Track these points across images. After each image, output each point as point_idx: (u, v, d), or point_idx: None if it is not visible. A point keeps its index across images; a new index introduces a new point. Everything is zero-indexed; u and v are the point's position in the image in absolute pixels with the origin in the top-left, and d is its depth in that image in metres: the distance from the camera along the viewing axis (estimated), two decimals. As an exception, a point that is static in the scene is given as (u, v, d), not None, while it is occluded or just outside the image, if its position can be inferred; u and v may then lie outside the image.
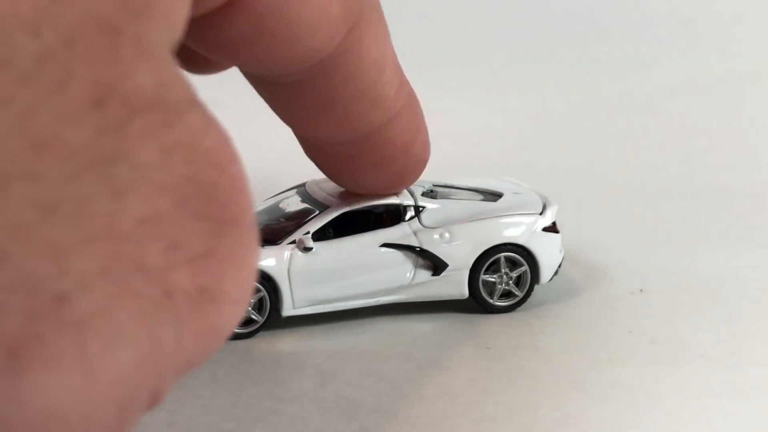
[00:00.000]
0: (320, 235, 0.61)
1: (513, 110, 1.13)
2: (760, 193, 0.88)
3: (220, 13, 0.38)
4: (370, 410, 0.52)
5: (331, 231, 0.62)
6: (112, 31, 0.25)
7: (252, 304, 0.60)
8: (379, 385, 0.54)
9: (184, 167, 0.27)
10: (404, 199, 0.63)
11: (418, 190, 0.64)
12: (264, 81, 0.49)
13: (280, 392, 0.54)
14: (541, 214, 0.65)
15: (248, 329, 0.60)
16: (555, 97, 1.15)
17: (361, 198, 0.62)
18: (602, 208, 0.85)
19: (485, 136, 1.07)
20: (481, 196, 0.67)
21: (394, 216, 0.63)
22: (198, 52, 0.43)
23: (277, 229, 0.62)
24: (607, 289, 0.67)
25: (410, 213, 0.63)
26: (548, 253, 0.64)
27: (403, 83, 0.52)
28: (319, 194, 0.64)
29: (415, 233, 0.62)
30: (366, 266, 0.61)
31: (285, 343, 0.60)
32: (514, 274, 0.63)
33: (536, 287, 0.64)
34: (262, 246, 0.61)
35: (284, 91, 0.49)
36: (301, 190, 0.66)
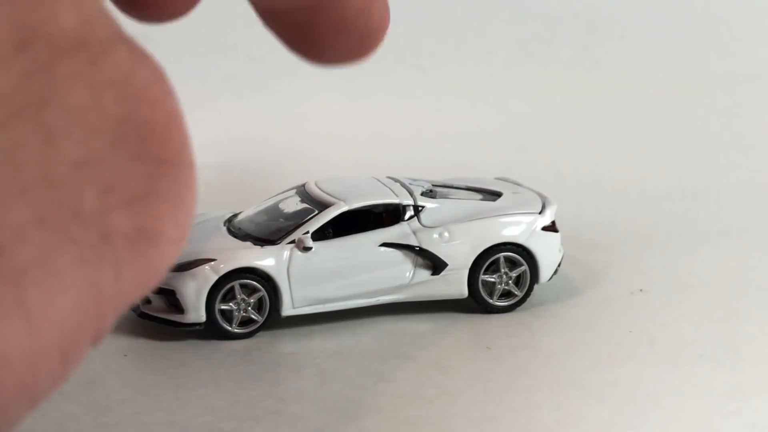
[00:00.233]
0: (320, 235, 0.61)
1: (513, 110, 1.13)
2: (760, 193, 0.88)
3: None
4: (370, 410, 0.52)
5: (330, 231, 0.62)
6: None
7: (252, 303, 0.60)
8: (379, 385, 0.54)
9: (116, 106, 0.27)
10: (404, 198, 0.63)
11: (417, 190, 0.64)
12: None
13: (280, 392, 0.54)
14: (540, 213, 0.65)
15: (248, 329, 0.60)
16: (555, 97, 1.14)
17: (360, 198, 0.62)
18: (602, 208, 0.85)
19: (485, 136, 1.07)
20: (480, 196, 0.67)
21: (393, 215, 0.63)
22: None
23: (276, 229, 0.62)
24: (607, 289, 0.67)
25: (410, 212, 0.63)
26: (548, 252, 0.64)
27: None
28: (318, 194, 0.64)
29: (414, 233, 0.62)
30: (365, 266, 0.61)
31: (285, 343, 0.60)
32: (514, 274, 0.63)
33: (536, 287, 0.64)
34: (262, 246, 0.61)
35: None
36: (301, 190, 0.66)
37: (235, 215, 0.66)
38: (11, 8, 0.25)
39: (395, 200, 0.63)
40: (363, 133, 1.00)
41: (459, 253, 0.63)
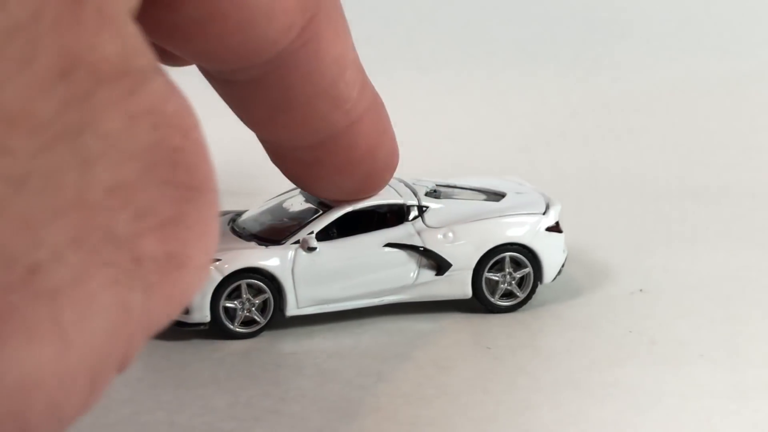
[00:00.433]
0: (324, 235, 0.61)
1: (513, 110, 1.13)
2: (760, 193, 0.88)
3: None
4: (370, 410, 0.52)
5: (334, 231, 0.62)
6: (76, 2, 0.26)
7: (256, 305, 0.60)
8: (379, 385, 0.54)
9: (149, 134, 0.27)
10: (408, 198, 0.63)
11: (421, 190, 0.65)
12: (221, 79, 0.48)
13: (280, 392, 0.54)
14: (544, 213, 0.65)
15: (251, 329, 0.60)
16: (555, 97, 1.14)
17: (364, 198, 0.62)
18: (602, 208, 0.85)
19: (485, 136, 1.07)
20: (484, 196, 0.67)
21: (397, 216, 0.63)
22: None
23: (280, 229, 0.62)
24: (607, 289, 0.67)
25: (414, 213, 0.63)
26: (551, 252, 0.64)
27: (366, 85, 0.51)
28: None
29: (418, 233, 0.62)
30: (370, 266, 0.61)
31: (285, 343, 0.60)
32: (518, 275, 0.63)
33: (539, 287, 0.64)
34: (266, 246, 0.61)
35: (243, 90, 0.48)
36: None
37: (239, 215, 0.66)
38: (56, 36, 0.25)
39: (399, 200, 0.63)
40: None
41: (463, 253, 0.63)
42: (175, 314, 0.30)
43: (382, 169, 0.57)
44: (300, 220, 0.62)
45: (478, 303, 0.64)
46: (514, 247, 0.63)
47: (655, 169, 0.96)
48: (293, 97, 0.48)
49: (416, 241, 0.62)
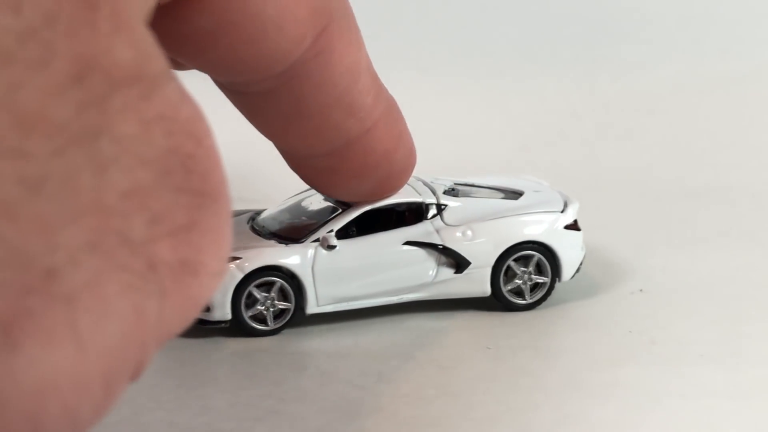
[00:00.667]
0: (343, 234, 0.62)
1: (513, 110, 1.13)
2: (760, 193, 0.88)
3: (184, 3, 0.38)
4: (370, 410, 0.52)
5: (354, 229, 0.62)
6: (90, 7, 0.26)
7: (276, 307, 0.60)
8: (379, 385, 0.54)
9: (163, 139, 0.27)
10: (426, 197, 0.63)
11: (439, 188, 0.65)
12: (236, 90, 0.48)
13: (280, 392, 0.54)
14: (562, 211, 0.65)
15: (270, 327, 0.61)
16: (555, 97, 1.14)
17: None
18: (602, 208, 0.85)
19: (485, 136, 1.07)
20: (502, 195, 0.67)
21: (416, 214, 0.63)
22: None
23: (300, 227, 0.62)
24: (607, 289, 0.67)
25: (432, 211, 0.63)
26: (570, 250, 0.65)
27: (381, 91, 0.52)
28: None
29: (437, 231, 0.63)
30: (389, 264, 0.62)
31: (285, 343, 0.60)
32: (536, 279, 0.64)
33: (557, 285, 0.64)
34: (286, 244, 0.61)
35: (257, 101, 0.48)
36: None
37: (258, 213, 0.66)
38: (71, 41, 0.25)
39: (418, 199, 0.63)
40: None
41: (482, 251, 0.63)
42: (189, 322, 0.30)
43: (399, 172, 0.57)
44: (319, 219, 0.62)
45: (496, 301, 0.64)
46: (533, 245, 0.64)
47: (655, 169, 0.96)
48: (307, 107, 0.48)
49: (435, 239, 0.62)
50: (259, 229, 0.63)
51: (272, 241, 0.61)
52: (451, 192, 0.66)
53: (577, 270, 0.65)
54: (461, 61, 1.18)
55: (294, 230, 0.62)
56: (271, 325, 0.61)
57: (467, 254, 0.62)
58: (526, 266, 0.64)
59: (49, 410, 0.25)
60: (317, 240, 0.61)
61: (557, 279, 0.64)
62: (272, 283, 0.60)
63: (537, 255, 0.64)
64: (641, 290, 0.67)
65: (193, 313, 0.30)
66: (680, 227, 0.80)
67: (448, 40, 1.18)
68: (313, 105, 0.48)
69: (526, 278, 0.64)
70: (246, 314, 0.60)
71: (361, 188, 0.58)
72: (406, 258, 0.62)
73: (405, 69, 1.11)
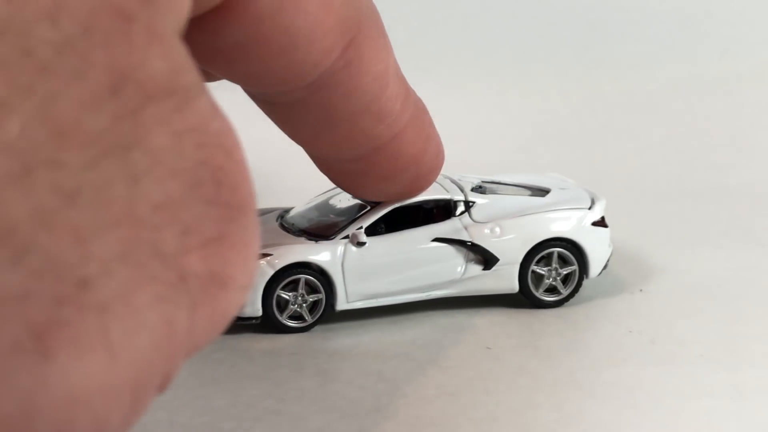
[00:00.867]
0: (372, 230, 0.62)
1: (513, 110, 1.13)
2: (760, 193, 0.88)
3: (215, 16, 0.38)
4: (370, 410, 0.52)
5: (383, 226, 0.62)
6: (126, 19, 0.26)
7: (308, 302, 0.61)
8: (379, 385, 0.54)
9: (195, 152, 0.27)
10: (455, 194, 0.64)
11: (467, 186, 0.65)
12: (267, 101, 0.49)
13: (280, 392, 0.54)
14: (589, 208, 0.65)
15: (302, 324, 0.61)
16: (555, 97, 1.15)
17: None
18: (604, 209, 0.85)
19: (485, 136, 1.07)
20: (529, 192, 0.67)
21: (444, 211, 0.63)
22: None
23: (329, 225, 0.63)
24: (607, 289, 0.67)
25: (461, 208, 0.63)
26: (597, 247, 0.65)
27: (409, 96, 0.52)
28: None
29: (465, 228, 0.63)
30: (418, 260, 0.62)
31: (285, 343, 0.60)
32: (564, 271, 0.64)
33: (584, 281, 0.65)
34: (316, 241, 0.61)
35: (287, 110, 0.49)
36: None
37: (287, 211, 0.67)
38: (106, 53, 0.25)
39: (446, 196, 0.63)
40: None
41: (510, 248, 0.63)
42: (217, 334, 0.30)
43: (427, 173, 0.57)
44: (348, 216, 0.63)
45: (524, 298, 0.64)
46: (560, 242, 0.64)
47: (655, 169, 0.96)
48: (336, 116, 0.48)
49: (464, 236, 0.62)
50: (288, 226, 0.64)
51: (302, 238, 0.62)
52: (479, 189, 0.66)
53: (605, 267, 0.66)
54: (461, 61, 1.18)
55: (323, 227, 0.63)
56: (309, 319, 0.61)
57: (495, 251, 0.63)
58: (549, 264, 0.64)
59: (80, 420, 0.25)
60: (347, 237, 0.61)
61: (585, 275, 0.64)
62: (297, 281, 0.60)
63: (557, 249, 0.64)
64: (641, 290, 0.67)
65: (222, 326, 0.30)
66: (680, 227, 0.80)
67: (449, 40, 1.19)
68: (342, 113, 0.48)
69: (554, 274, 0.64)
70: (282, 317, 0.60)
71: (390, 189, 0.58)
72: (435, 255, 0.62)
73: (405, 69, 1.11)
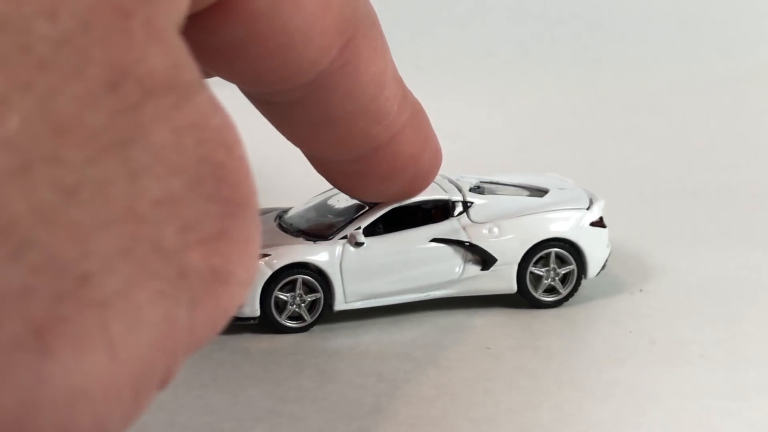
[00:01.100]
0: (370, 231, 0.62)
1: (513, 110, 1.13)
2: (760, 193, 0.88)
3: (212, 14, 0.38)
4: (370, 410, 0.52)
5: (381, 226, 0.62)
6: (125, 15, 0.26)
7: (307, 302, 0.61)
8: (379, 385, 0.54)
9: (195, 148, 0.27)
10: (453, 194, 0.64)
11: (465, 186, 0.65)
12: (264, 100, 0.49)
13: (280, 392, 0.54)
14: (588, 209, 0.65)
15: (301, 324, 0.61)
16: (555, 97, 1.15)
17: None
18: (603, 209, 0.85)
19: (485, 136, 1.07)
20: (527, 192, 0.67)
21: (442, 211, 0.63)
22: None
23: (327, 225, 0.63)
24: (607, 289, 0.67)
25: (459, 208, 0.63)
26: (595, 247, 0.65)
27: (406, 96, 0.52)
28: None
29: (464, 228, 0.63)
30: (416, 261, 0.62)
31: (285, 343, 0.60)
32: (562, 271, 0.64)
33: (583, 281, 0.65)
34: (314, 241, 0.61)
35: (284, 110, 0.49)
36: None
37: (285, 212, 0.67)
38: (105, 49, 0.25)
39: (444, 196, 0.63)
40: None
41: (508, 248, 0.63)
42: (218, 330, 0.30)
43: (425, 173, 0.57)
44: (346, 216, 0.63)
45: (522, 298, 0.64)
46: (559, 242, 0.64)
47: (654, 169, 0.96)
48: (333, 116, 0.48)
49: (462, 236, 0.62)
50: (286, 226, 0.64)
51: (300, 239, 0.62)
52: (477, 189, 0.66)
53: (603, 267, 0.66)
54: (461, 61, 1.18)
55: (321, 228, 0.63)
56: (308, 318, 0.61)
57: (494, 251, 0.63)
58: (547, 264, 0.64)
59: (80, 418, 0.25)
60: (345, 237, 0.61)
61: (583, 276, 0.64)
62: (294, 282, 0.60)
63: (554, 249, 0.64)
64: (641, 290, 0.67)
65: (222, 322, 0.30)
66: (680, 227, 0.80)
67: (448, 40, 1.19)
68: (339, 114, 0.48)
69: (552, 274, 0.64)
70: (282, 318, 0.60)
71: (389, 190, 0.58)
72: (433, 255, 0.62)
73: (405, 69, 1.11)
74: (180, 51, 0.27)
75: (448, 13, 1.22)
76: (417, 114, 0.54)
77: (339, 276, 0.61)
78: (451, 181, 0.66)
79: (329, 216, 0.64)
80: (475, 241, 0.63)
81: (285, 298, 0.60)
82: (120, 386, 0.25)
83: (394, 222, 0.63)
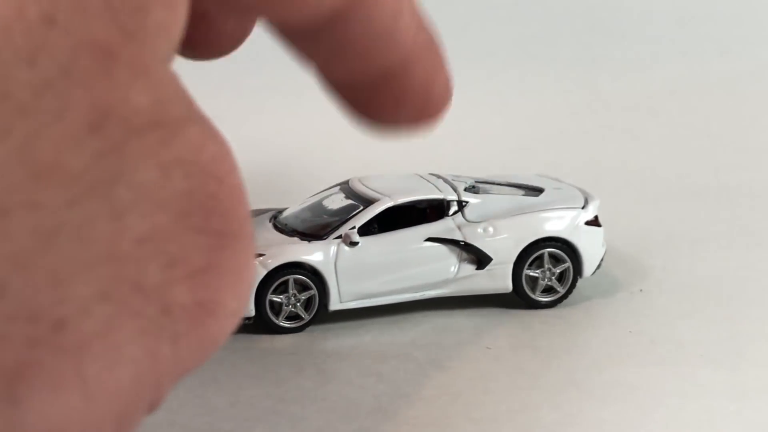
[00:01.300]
0: (365, 230, 0.62)
1: (513, 110, 1.13)
2: (760, 193, 0.88)
3: None
4: (370, 410, 0.52)
5: (375, 226, 0.62)
6: (107, 55, 0.26)
7: (301, 300, 0.61)
8: (379, 385, 0.54)
9: (183, 182, 0.27)
10: (447, 194, 0.64)
11: (460, 186, 0.65)
12: (282, 30, 0.49)
13: (280, 392, 0.54)
14: (583, 208, 0.65)
15: (297, 324, 0.61)
16: (555, 97, 1.14)
17: (405, 194, 0.63)
18: (602, 209, 0.85)
19: (485, 136, 1.07)
20: (522, 192, 0.67)
21: (437, 211, 0.63)
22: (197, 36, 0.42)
23: (322, 225, 0.63)
24: (607, 289, 0.67)
25: (454, 208, 0.63)
26: (591, 246, 0.65)
27: (421, 27, 0.52)
28: (362, 190, 0.64)
29: (459, 228, 0.63)
30: (411, 260, 0.62)
31: (285, 343, 0.60)
32: (558, 270, 0.64)
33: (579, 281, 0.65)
34: (309, 241, 0.61)
35: (302, 40, 0.49)
36: (345, 186, 0.67)
37: (280, 212, 0.67)
38: (86, 90, 0.25)
39: (439, 196, 0.63)
40: (362, 132, 0.99)
41: (503, 247, 0.63)
42: (206, 359, 0.30)
43: (436, 104, 0.57)
44: (341, 216, 0.63)
45: (518, 298, 0.64)
46: (554, 241, 0.64)
47: (654, 169, 0.96)
48: (349, 49, 0.48)
49: (457, 236, 0.62)
50: (281, 226, 0.64)
51: (295, 239, 0.62)
52: (472, 189, 0.66)
53: (598, 266, 0.65)
54: (461, 60, 1.18)
55: (316, 227, 0.63)
56: (306, 317, 0.61)
57: (489, 250, 0.63)
58: (541, 266, 0.64)
59: None
60: (339, 237, 0.61)
61: (579, 275, 0.64)
62: (286, 282, 0.60)
63: (548, 250, 0.64)
64: (641, 290, 0.67)
65: (212, 350, 0.29)
66: (680, 227, 0.80)
67: (448, 40, 1.18)
68: (356, 42, 0.48)
69: (548, 274, 0.64)
70: (279, 320, 0.60)
71: (400, 116, 0.58)
72: (428, 254, 0.62)
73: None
74: (168, 87, 0.27)
75: (448, 13, 1.22)
76: (431, 44, 0.54)
77: (334, 276, 0.61)
78: (446, 181, 0.66)
79: (324, 216, 0.64)
80: (470, 241, 0.62)
81: (279, 300, 0.60)
82: (99, 422, 0.25)
83: (388, 221, 0.62)
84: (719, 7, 1.21)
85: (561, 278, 0.64)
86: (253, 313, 0.60)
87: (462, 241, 0.62)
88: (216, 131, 0.29)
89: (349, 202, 0.64)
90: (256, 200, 0.72)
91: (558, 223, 0.64)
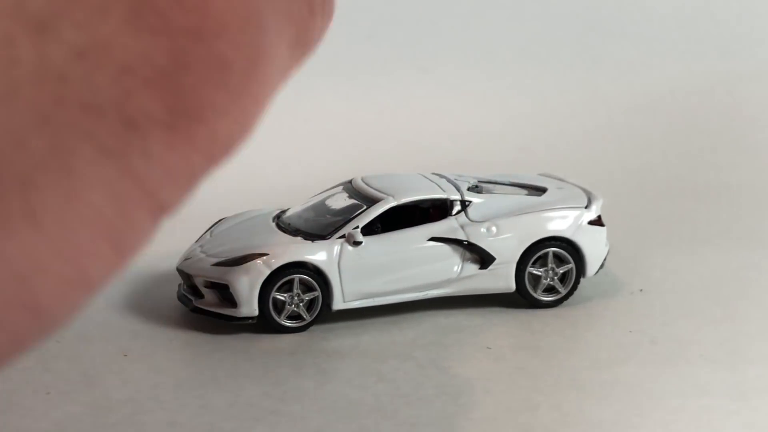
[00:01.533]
0: (368, 230, 0.62)
1: (513, 110, 1.13)
2: (760, 193, 0.88)
3: None
4: (370, 410, 0.52)
5: (379, 226, 0.62)
6: None
7: (305, 301, 0.61)
8: (379, 385, 0.54)
9: None
10: (451, 193, 0.64)
11: (463, 185, 0.65)
12: None
13: (280, 392, 0.54)
14: (586, 207, 0.65)
15: (299, 323, 0.61)
16: (555, 97, 1.14)
17: (408, 193, 0.63)
18: (602, 208, 0.85)
19: (485, 136, 1.07)
20: (525, 191, 0.67)
21: (440, 211, 0.64)
22: None
23: (325, 224, 0.63)
24: (607, 289, 0.67)
25: (457, 207, 0.63)
26: (594, 246, 0.65)
27: None
28: (366, 190, 0.65)
29: (462, 227, 0.63)
30: (414, 260, 0.62)
31: (285, 342, 0.60)
32: (561, 270, 0.64)
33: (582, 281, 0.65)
34: (312, 241, 0.61)
35: None
36: (348, 186, 0.67)
37: (283, 212, 0.67)
38: None
39: (443, 195, 0.64)
40: (363, 133, 1.00)
41: (506, 247, 0.63)
42: (210, 164, 0.25)
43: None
44: (344, 216, 0.63)
45: (521, 297, 0.64)
46: (557, 241, 0.64)
47: (654, 169, 0.96)
48: None
49: (460, 235, 0.62)
50: (284, 226, 0.64)
51: (298, 238, 0.62)
52: (475, 189, 0.66)
53: (601, 266, 0.66)
54: (461, 61, 1.18)
55: (319, 227, 0.63)
56: (308, 317, 0.61)
57: (492, 250, 0.63)
58: (545, 264, 0.64)
59: (42, 288, 0.23)
60: (343, 236, 0.61)
61: (582, 275, 0.64)
62: (291, 282, 0.60)
63: (552, 249, 0.64)
64: (641, 290, 0.67)
65: (213, 156, 0.25)
66: (680, 227, 0.80)
67: (448, 39, 1.18)
68: None
69: (551, 274, 0.64)
70: (281, 318, 0.60)
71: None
72: (432, 254, 0.62)
73: (405, 69, 1.11)
74: None
75: (449, 13, 1.22)
76: None
77: (337, 275, 0.61)
78: (449, 180, 0.66)
79: (327, 215, 0.64)
80: (473, 240, 0.63)
81: (283, 298, 0.60)
82: (70, 255, 0.23)
83: (392, 221, 0.63)
84: (719, 7, 1.21)
85: (563, 279, 0.64)
86: (256, 313, 0.60)
87: (465, 241, 0.62)
88: None
89: (353, 201, 0.64)
90: (259, 200, 0.73)
91: (561, 222, 0.64)
